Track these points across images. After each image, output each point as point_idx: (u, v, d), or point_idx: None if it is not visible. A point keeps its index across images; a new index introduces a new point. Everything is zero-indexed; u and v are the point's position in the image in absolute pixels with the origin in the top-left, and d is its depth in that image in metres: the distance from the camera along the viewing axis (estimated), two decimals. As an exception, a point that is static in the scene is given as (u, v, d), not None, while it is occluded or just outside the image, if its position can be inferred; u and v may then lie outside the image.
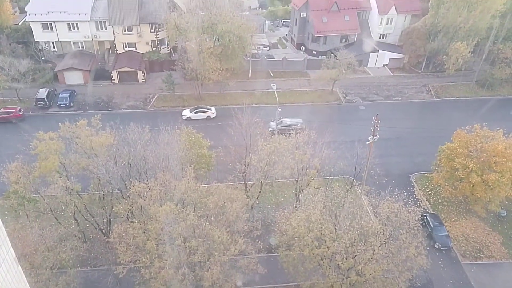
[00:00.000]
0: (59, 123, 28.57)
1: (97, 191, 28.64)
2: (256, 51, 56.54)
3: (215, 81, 46.47)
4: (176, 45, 56.39)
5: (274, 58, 57.51)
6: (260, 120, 31.85)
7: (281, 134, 34.72)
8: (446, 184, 33.27)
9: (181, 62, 46.60)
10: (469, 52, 49.41)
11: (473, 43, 50.58)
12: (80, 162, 27.53)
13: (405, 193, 28.99)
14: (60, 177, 27.01)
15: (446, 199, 35.14)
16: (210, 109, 45.74)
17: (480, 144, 31.42)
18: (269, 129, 36.61)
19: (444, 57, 50.67)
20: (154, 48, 53.39)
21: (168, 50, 54.85)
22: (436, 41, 52.20)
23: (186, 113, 45.06)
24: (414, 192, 36.30)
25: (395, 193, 26.05)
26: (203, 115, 45.09)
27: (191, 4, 56.88)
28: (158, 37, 52.98)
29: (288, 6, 70.31)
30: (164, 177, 24.30)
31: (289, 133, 31.63)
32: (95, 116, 29.00)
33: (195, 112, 45.18)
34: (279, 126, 40.86)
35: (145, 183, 24.54)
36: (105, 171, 26.58)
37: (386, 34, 58.78)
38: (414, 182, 37.46)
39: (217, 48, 46.42)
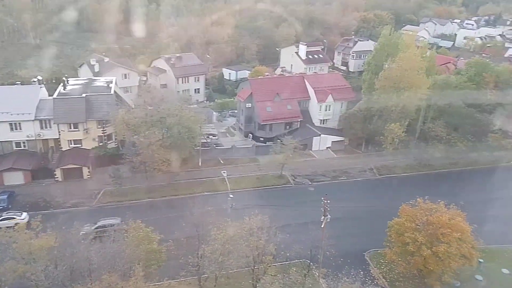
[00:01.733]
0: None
1: (35, 301, 25.76)
2: (205, 141, 57.55)
3: (165, 172, 46.00)
4: (124, 139, 56.22)
5: (223, 146, 58.65)
6: (213, 208, 31.35)
7: (97, 237, 32.16)
8: (400, 259, 33.45)
9: (129, 156, 46.13)
10: (402, 132, 53.34)
11: (406, 124, 54.89)
12: (17, 269, 25.09)
13: (362, 272, 28.77)
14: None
15: (401, 275, 35.03)
16: (20, 215, 40.83)
17: (425, 217, 32.52)
18: (81, 233, 30.51)
19: (381, 137, 54.21)
20: (101, 144, 52.78)
21: (115, 144, 54.39)
22: (372, 124, 56.23)
23: None
24: (370, 270, 36.01)
25: (351, 273, 25.75)
26: (9, 223, 38.56)
27: (139, 100, 58.19)
28: (105, 132, 52.75)
29: (234, 99, 73.84)
30: (110, 279, 22.52)
31: (105, 235, 29.84)
32: (35, 217, 27.20)
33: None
34: (93, 228, 37.37)
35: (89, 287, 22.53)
36: (44, 277, 24.27)
37: (326, 119, 62.54)
38: (369, 260, 37.34)
39: (167, 140, 46.79)
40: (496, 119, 58.79)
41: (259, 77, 69.53)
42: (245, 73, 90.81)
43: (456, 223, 31.25)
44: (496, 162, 55.78)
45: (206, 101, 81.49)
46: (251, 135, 62.64)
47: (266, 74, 74.48)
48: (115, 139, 54.37)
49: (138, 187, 47.76)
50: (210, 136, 60.98)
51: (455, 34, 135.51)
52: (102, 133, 52.49)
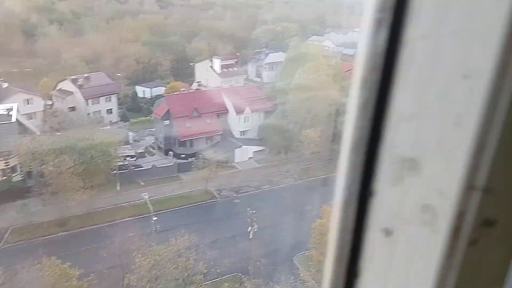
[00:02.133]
0: None
1: None
2: (122, 163, 55.00)
3: (80, 202, 43.01)
4: (31, 170, 51.64)
5: (142, 167, 56.51)
6: (136, 234, 29.91)
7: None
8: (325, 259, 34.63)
9: (38, 188, 42.42)
10: (318, 136, 55.92)
11: (320, 129, 57.59)
12: None
13: (292, 277, 29.33)
14: None
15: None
16: None
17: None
18: None
19: (299, 143, 56.26)
20: (4, 177, 47.91)
21: (21, 177, 49.75)
22: (290, 132, 58.23)
23: None
24: (300, 274, 36.87)
25: (282, 280, 26.11)
26: None
27: (45, 126, 54.07)
28: (9, 164, 48.03)
29: (151, 116, 71.79)
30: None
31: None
32: None
33: None
34: None
35: None
36: None
37: (246, 130, 63.45)
38: (298, 264, 38.23)
39: (79, 167, 43.86)
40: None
41: (175, 93, 68.53)
42: (160, 90, 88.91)
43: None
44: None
45: (121, 121, 78.17)
46: (171, 152, 61.24)
47: (182, 89, 73.64)
48: (21, 170, 49.73)
49: (50, 221, 43.95)
50: (127, 158, 58.49)
51: (357, 42, 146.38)
52: (5, 165, 47.71)
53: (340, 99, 59.23)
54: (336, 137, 59.79)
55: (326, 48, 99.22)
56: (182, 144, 59.65)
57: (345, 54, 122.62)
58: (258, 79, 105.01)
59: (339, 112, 60.04)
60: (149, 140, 68.78)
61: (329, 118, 58.87)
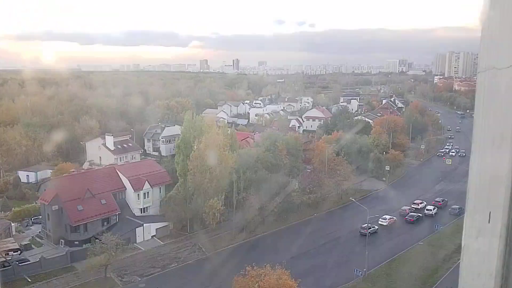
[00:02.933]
0: None
1: None
2: (5, 259, 47.89)
3: None
4: None
5: (29, 260, 49.78)
6: None
7: None
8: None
9: None
10: (221, 206, 55.90)
11: (222, 197, 57.86)
12: None
13: None
14: None
15: None
16: None
17: (256, 283, 33.75)
18: None
19: (204, 215, 55.42)
20: None
21: None
22: (192, 203, 57.28)
23: None
24: None
25: None
26: None
27: None
28: None
29: (36, 203, 65.01)
30: None
31: None
32: None
33: None
34: None
35: None
36: None
37: (147, 207, 60.76)
38: None
39: None
40: (294, 180, 67.64)
41: (64, 175, 63.72)
42: (46, 173, 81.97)
43: (284, 282, 33.43)
44: (303, 217, 63.45)
45: (1, 211, 69.25)
46: (62, 240, 55.32)
47: (72, 170, 68.80)
48: None
49: None
50: (10, 253, 51.22)
51: (248, 113, 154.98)
52: None
53: (239, 167, 60.89)
54: (239, 205, 60.40)
55: (221, 119, 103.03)
56: (75, 229, 54.51)
57: (239, 124, 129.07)
58: (156, 153, 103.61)
59: (239, 179, 61.38)
60: (36, 229, 61.59)
61: (230, 186, 59.65)
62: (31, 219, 64.32)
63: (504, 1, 1.31)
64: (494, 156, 1.29)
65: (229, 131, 71.27)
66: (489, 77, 1.38)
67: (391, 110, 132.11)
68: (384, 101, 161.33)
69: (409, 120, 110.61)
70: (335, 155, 73.43)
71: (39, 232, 60.05)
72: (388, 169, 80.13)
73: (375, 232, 56.99)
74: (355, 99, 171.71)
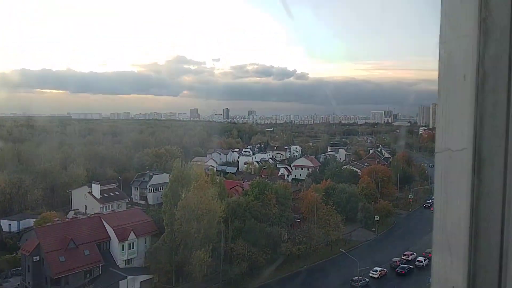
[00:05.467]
0: None
1: None
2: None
3: None
4: None
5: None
6: None
7: None
8: None
9: None
10: (208, 257, 54.30)
11: (210, 248, 56.32)
12: None
13: None
14: None
15: None
16: None
17: None
18: None
19: (190, 266, 53.65)
20: None
21: None
22: (179, 254, 55.57)
23: None
24: None
25: None
26: None
27: None
28: None
29: (17, 253, 62.49)
30: None
31: None
32: None
33: None
34: None
35: None
36: None
37: (131, 258, 58.79)
38: None
39: None
40: (283, 229, 66.56)
41: (47, 224, 61.84)
42: (29, 222, 79.59)
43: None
44: (293, 269, 61.83)
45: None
46: (42, 294, 52.73)
47: (56, 219, 66.82)
48: None
49: None
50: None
51: (237, 161, 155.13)
52: None
53: (228, 216, 59.92)
54: (227, 256, 58.73)
55: (210, 167, 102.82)
56: (56, 282, 52.12)
57: (228, 172, 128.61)
58: (143, 202, 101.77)
59: (228, 229, 60.18)
60: (15, 281, 58.75)
61: (218, 236, 58.31)
62: (10, 271, 61.53)
63: (453, 86, 1.44)
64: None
65: (218, 179, 70.87)
66: (445, 158, 1.48)
67: (378, 160, 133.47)
68: (371, 151, 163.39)
69: (397, 170, 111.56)
70: (324, 204, 73.00)
71: (18, 284, 57.25)
72: (378, 219, 79.61)
73: (366, 285, 55.58)
74: (342, 148, 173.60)
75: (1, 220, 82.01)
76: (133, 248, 58.89)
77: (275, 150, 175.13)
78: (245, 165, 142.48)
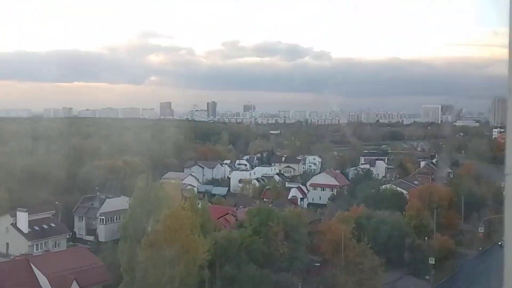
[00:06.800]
0: None
1: None
2: None
3: None
4: None
5: None
6: None
7: None
8: None
9: None
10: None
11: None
12: None
13: None
14: None
15: None
16: None
17: None
18: None
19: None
20: None
21: None
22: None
23: None
24: None
25: None
26: None
27: None
28: None
29: None
30: None
31: None
32: None
33: None
34: None
35: None
36: None
37: (73, 320, 58.52)
38: None
39: None
40: (296, 277, 66.32)
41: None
42: None
43: None
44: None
45: None
46: None
47: (-36, 264, 66.94)
48: None
49: None
50: None
51: (229, 178, 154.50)
52: None
53: (214, 258, 59.67)
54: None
55: (189, 187, 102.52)
56: None
57: (215, 195, 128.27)
58: (91, 238, 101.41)
59: (215, 277, 59.91)
60: None
61: (201, 285, 58.00)
62: None
63: None
64: None
65: (200, 205, 70.68)
66: None
67: (433, 177, 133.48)
68: (423, 163, 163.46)
69: (460, 191, 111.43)
70: (355, 241, 72.81)
71: None
72: (433, 262, 79.35)
73: None
74: (381, 159, 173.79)
75: None
76: (76, 305, 58.68)
77: (284, 162, 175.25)
78: (240, 184, 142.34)
